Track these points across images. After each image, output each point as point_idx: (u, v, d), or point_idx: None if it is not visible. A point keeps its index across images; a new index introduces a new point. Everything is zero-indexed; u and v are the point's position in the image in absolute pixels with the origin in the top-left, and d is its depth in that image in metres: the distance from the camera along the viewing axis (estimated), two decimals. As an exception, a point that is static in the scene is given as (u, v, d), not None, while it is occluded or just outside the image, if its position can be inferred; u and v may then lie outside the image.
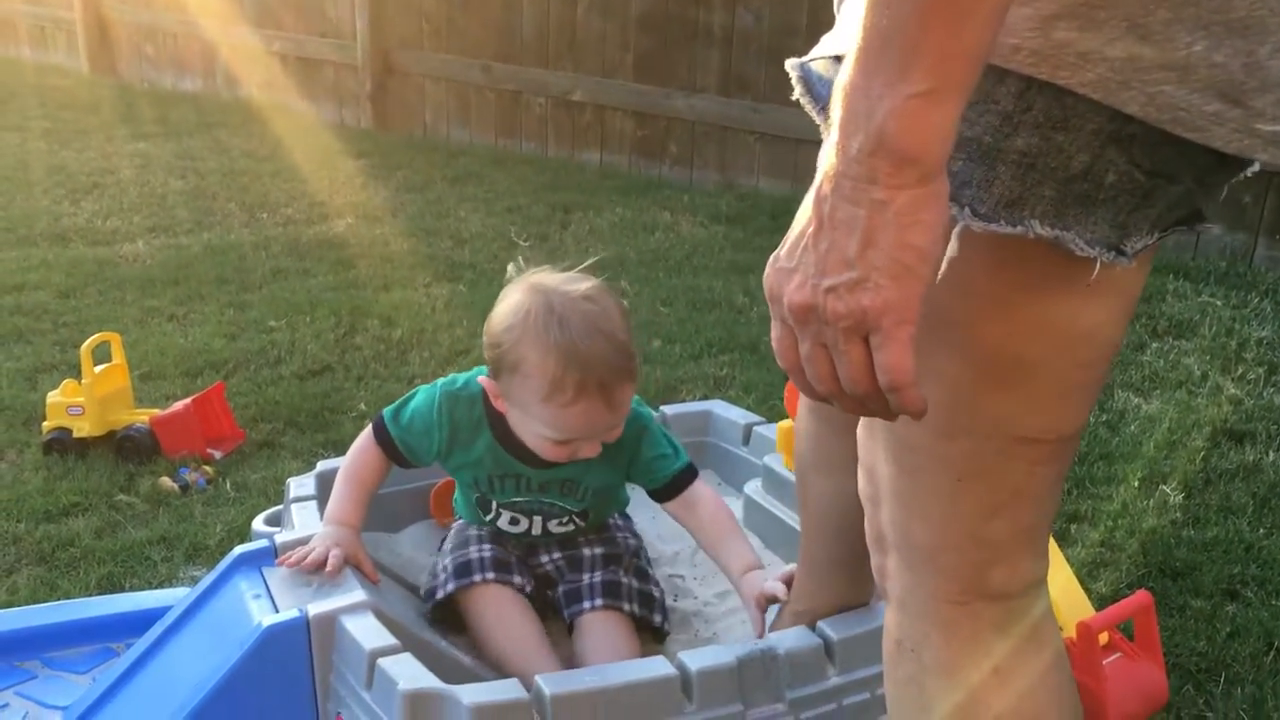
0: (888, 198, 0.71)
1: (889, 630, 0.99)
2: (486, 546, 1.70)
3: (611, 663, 1.51)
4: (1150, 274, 3.79)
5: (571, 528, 1.74)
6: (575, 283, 1.56)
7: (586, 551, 1.75)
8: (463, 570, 1.66)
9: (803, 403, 1.35)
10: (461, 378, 1.70)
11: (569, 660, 1.64)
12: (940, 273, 0.80)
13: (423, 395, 1.68)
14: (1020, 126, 0.75)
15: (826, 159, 0.74)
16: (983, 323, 0.83)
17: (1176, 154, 0.76)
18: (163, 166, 5.46)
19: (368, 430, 1.69)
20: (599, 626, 1.65)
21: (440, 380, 1.71)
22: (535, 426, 1.57)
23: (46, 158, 5.61)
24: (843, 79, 0.72)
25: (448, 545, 1.75)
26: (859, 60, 0.70)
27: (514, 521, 1.73)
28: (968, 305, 0.82)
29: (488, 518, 1.73)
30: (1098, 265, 0.78)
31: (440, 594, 1.65)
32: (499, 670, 1.58)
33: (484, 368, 1.65)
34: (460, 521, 1.80)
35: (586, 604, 1.67)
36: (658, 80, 5.21)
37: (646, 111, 5.29)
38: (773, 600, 1.53)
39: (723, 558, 1.65)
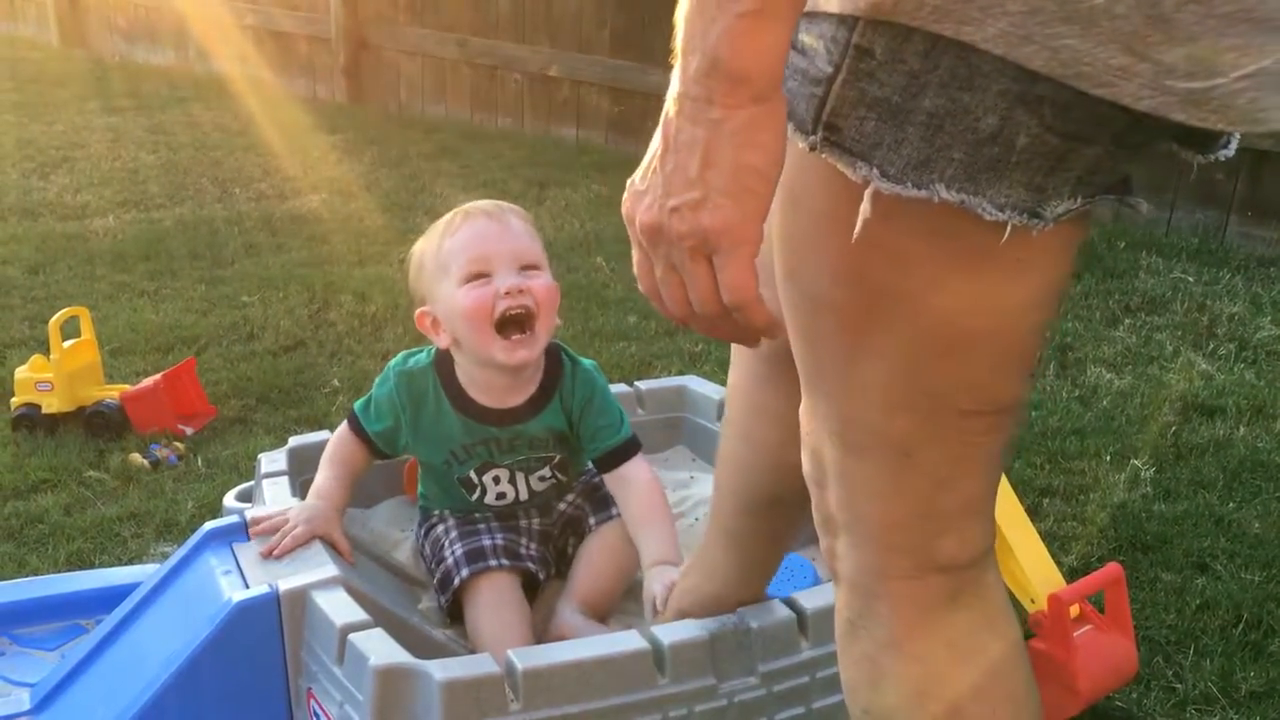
0: (723, 117, 0.73)
1: (840, 610, 0.98)
2: (499, 535, 1.71)
3: (606, 564, 1.70)
4: (1123, 250, 3.81)
5: (554, 481, 1.75)
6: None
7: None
8: (475, 556, 1.65)
9: (732, 359, 1.32)
10: (409, 358, 1.72)
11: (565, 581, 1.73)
12: (869, 244, 0.79)
13: (380, 381, 1.72)
14: (927, 86, 0.74)
15: (672, 83, 0.76)
16: (924, 295, 0.81)
17: (1089, 115, 0.74)
18: (134, 140, 5.40)
19: (344, 424, 1.72)
20: (595, 540, 1.74)
21: (391, 362, 1.73)
22: (448, 289, 1.61)
23: (16, 131, 5.54)
24: (682, 3, 0.74)
25: (453, 533, 1.71)
26: None
27: (500, 496, 1.73)
28: (908, 278, 0.81)
29: (474, 497, 1.73)
30: (1008, 229, 0.77)
31: (456, 580, 1.63)
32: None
33: (433, 347, 1.70)
34: (443, 513, 1.77)
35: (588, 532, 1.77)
36: (634, 56, 5.18)
37: (623, 87, 5.26)
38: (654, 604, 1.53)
39: (641, 543, 1.65)
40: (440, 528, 1.72)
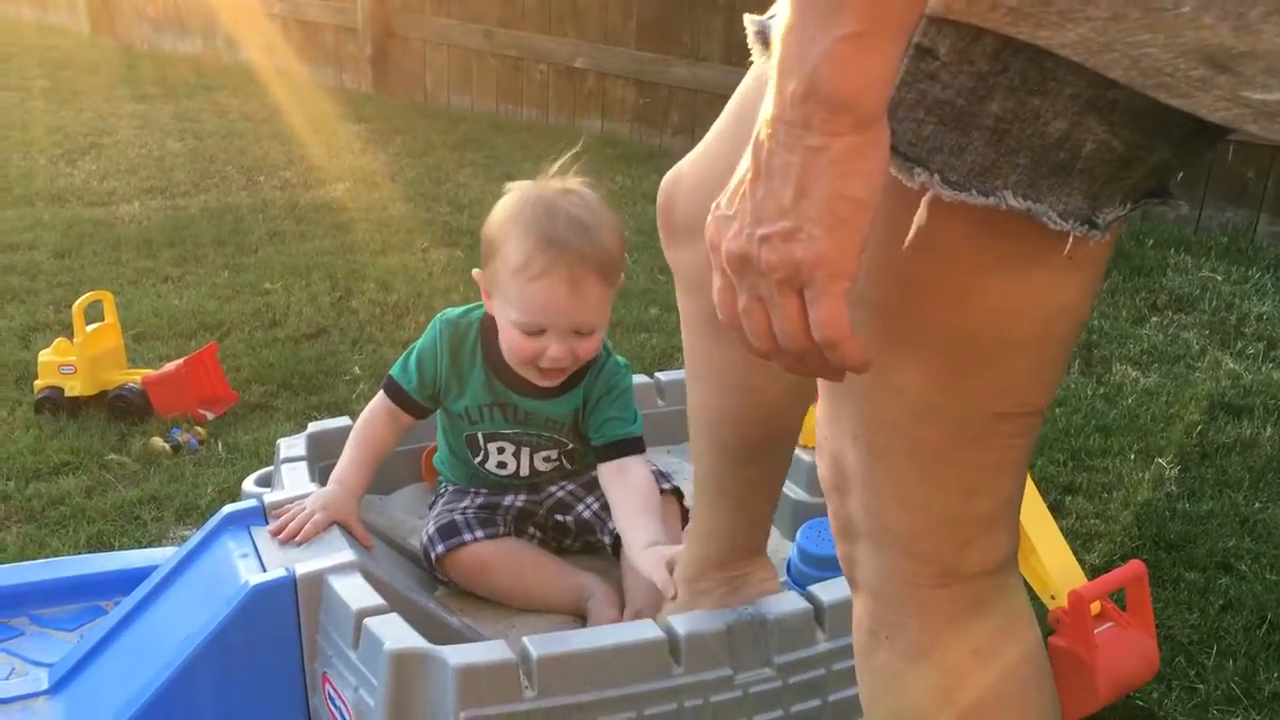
0: (823, 144, 0.68)
1: (860, 620, 0.96)
2: (470, 509, 1.72)
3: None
4: (1151, 248, 3.76)
5: (558, 465, 1.77)
6: (568, 183, 1.68)
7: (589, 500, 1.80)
8: (448, 531, 1.68)
9: (682, 320, 1.29)
10: (459, 309, 1.75)
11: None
12: (917, 246, 0.77)
13: (424, 334, 1.75)
14: (995, 89, 0.71)
15: (766, 105, 0.71)
16: (964, 299, 0.79)
17: (1157, 123, 0.72)
18: (161, 128, 5.43)
19: (380, 394, 1.73)
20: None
21: (441, 312, 1.75)
22: (507, 310, 1.62)
23: (45, 118, 5.58)
24: (781, 21, 0.69)
25: (433, 510, 1.76)
26: (795, 1, 0.68)
27: (501, 465, 1.74)
28: (949, 282, 0.79)
29: (476, 459, 1.74)
30: (1070, 239, 0.75)
31: (433, 556, 1.67)
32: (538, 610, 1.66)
33: (482, 304, 1.71)
34: (445, 487, 1.80)
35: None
36: (660, 48, 5.17)
37: (648, 79, 5.25)
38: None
39: (632, 530, 1.61)
40: (439, 503, 1.76)
